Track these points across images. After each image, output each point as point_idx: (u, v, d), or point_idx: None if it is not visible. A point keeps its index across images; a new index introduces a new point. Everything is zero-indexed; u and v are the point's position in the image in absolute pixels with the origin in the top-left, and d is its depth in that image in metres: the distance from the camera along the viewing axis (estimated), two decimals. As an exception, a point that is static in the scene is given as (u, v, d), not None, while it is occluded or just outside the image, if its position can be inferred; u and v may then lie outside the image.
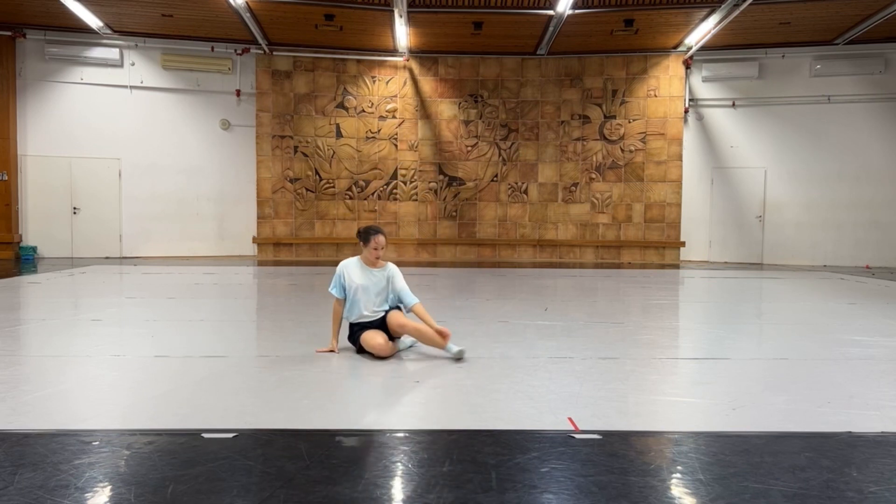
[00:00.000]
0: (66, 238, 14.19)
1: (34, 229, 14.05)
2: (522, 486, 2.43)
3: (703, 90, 15.00)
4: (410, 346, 4.92)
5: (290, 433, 3.01)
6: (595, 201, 15.19)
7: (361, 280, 4.73)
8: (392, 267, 4.85)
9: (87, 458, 2.65)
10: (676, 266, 14.06)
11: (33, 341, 5.16)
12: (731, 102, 14.88)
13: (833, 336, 5.66)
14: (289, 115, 14.88)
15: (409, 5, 12.03)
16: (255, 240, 14.92)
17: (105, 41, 14.05)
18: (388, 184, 15.21)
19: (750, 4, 11.47)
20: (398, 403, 3.58)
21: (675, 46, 14.54)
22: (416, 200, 15.24)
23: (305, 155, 14.96)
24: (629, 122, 15.02)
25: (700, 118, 15.08)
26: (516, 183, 15.30)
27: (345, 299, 4.78)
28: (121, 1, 12.24)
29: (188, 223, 14.78)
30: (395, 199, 15.23)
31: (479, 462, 2.65)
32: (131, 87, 14.34)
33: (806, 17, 12.63)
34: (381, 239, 4.75)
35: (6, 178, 13.61)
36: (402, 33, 13.33)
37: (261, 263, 13.49)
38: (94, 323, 5.97)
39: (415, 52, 14.98)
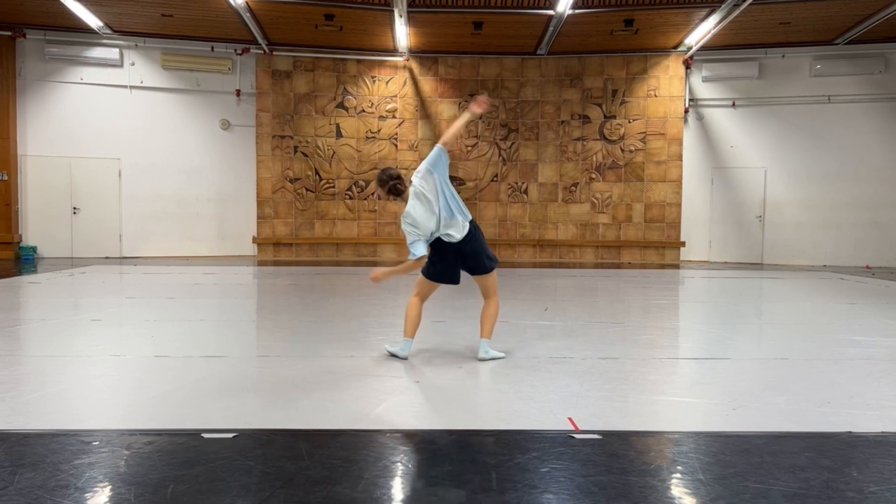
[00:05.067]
0: (66, 238, 14.19)
1: (34, 229, 14.05)
2: (522, 486, 2.43)
3: (703, 90, 15.00)
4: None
5: (290, 433, 3.01)
6: (595, 201, 15.18)
7: (423, 211, 4.35)
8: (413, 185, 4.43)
9: (87, 458, 2.65)
10: (676, 266, 14.06)
11: (33, 341, 5.16)
12: (731, 102, 14.88)
13: (833, 336, 5.66)
14: (289, 115, 14.88)
15: (409, 5, 12.02)
16: (255, 240, 14.92)
17: (105, 41, 14.05)
18: (388, 184, 15.18)
19: (750, 4, 11.47)
20: (398, 403, 3.58)
21: (675, 46, 14.54)
22: (416, 200, 15.22)
23: (305, 155, 14.96)
24: (629, 122, 15.02)
25: (700, 118, 15.08)
26: (516, 183, 15.30)
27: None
28: (121, 1, 12.24)
29: (188, 223, 14.78)
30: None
31: (479, 462, 2.65)
32: (131, 87, 14.34)
33: (806, 17, 12.63)
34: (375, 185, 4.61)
35: (6, 178, 13.61)
36: (402, 33, 13.33)
37: (261, 263, 13.48)
38: (94, 323, 5.97)
39: (415, 52, 14.97)
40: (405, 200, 4.41)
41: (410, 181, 4.43)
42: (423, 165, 4.38)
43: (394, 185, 4.40)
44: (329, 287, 9.50)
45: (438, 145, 4.38)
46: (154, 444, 2.82)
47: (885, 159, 14.35)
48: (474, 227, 4.44)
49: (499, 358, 4.56)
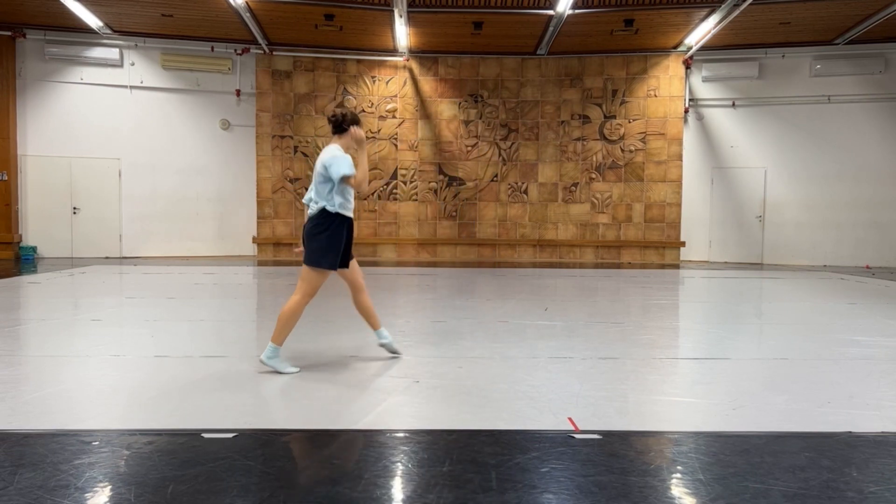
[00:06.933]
0: (66, 238, 14.19)
1: (34, 229, 14.05)
2: (522, 486, 2.43)
3: (703, 90, 15.00)
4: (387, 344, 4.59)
5: (290, 433, 3.01)
6: (595, 201, 15.18)
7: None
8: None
9: (87, 458, 2.65)
10: (676, 266, 14.05)
11: (33, 341, 5.16)
12: (731, 102, 14.88)
13: (833, 336, 5.66)
14: (289, 114, 14.88)
15: (409, 5, 12.02)
16: (254, 240, 14.92)
17: (105, 41, 14.05)
18: (388, 184, 15.21)
19: (750, 4, 11.47)
20: (398, 403, 3.58)
21: (675, 46, 14.54)
22: (416, 200, 15.24)
23: (305, 155, 14.96)
24: (629, 122, 15.02)
25: (700, 118, 15.08)
26: (516, 183, 15.30)
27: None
28: (121, 1, 12.24)
29: (188, 223, 14.78)
30: (395, 199, 15.23)
31: (479, 462, 2.65)
32: (131, 87, 14.34)
33: (806, 17, 12.63)
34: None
35: (6, 178, 13.60)
36: (402, 33, 13.33)
37: (261, 263, 13.48)
38: (94, 323, 5.97)
39: (415, 52, 14.97)
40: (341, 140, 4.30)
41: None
42: (327, 167, 4.14)
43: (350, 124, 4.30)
44: (329, 287, 9.49)
45: (345, 179, 4.11)
46: (154, 444, 2.82)
47: (885, 159, 14.35)
48: (327, 220, 4.15)
49: (287, 372, 4.11)
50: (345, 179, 4.11)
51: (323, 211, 4.17)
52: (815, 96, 14.49)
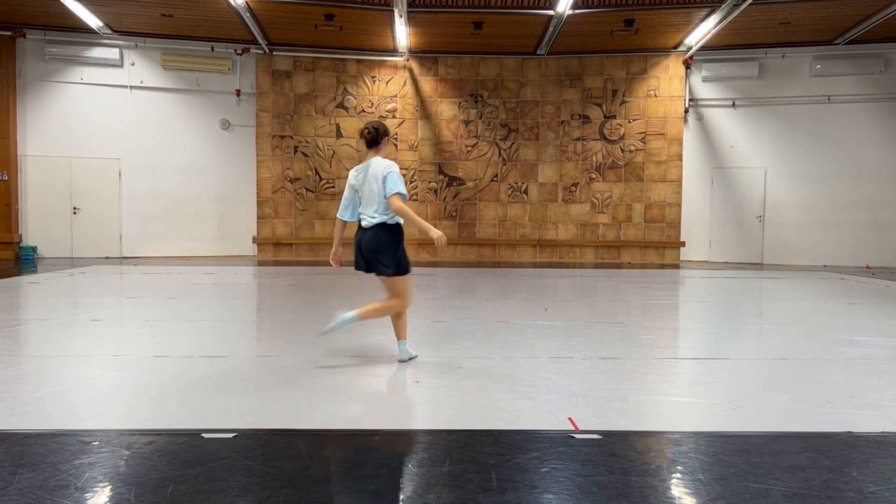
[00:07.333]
0: (66, 238, 14.19)
1: (34, 229, 14.05)
2: (522, 486, 2.43)
3: (703, 90, 15.00)
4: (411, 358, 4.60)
5: (290, 433, 3.01)
6: (595, 201, 15.18)
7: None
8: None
9: (87, 458, 2.65)
10: (676, 266, 14.05)
11: (33, 341, 5.16)
12: (731, 102, 14.88)
13: (833, 336, 5.66)
14: (289, 115, 14.88)
15: (409, 5, 12.02)
16: (254, 240, 14.92)
17: (105, 41, 14.05)
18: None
19: (750, 4, 11.47)
20: (398, 403, 3.58)
21: (675, 46, 14.54)
22: (416, 200, 15.23)
23: (305, 155, 14.96)
24: (629, 122, 15.01)
25: (700, 118, 15.08)
26: (516, 183, 15.30)
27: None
28: (121, 1, 12.24)
29: (188, 223, 14.78)
30: (395, 199, 15.20)
31: (479, 462, 2.65)
32: (131, 87, 14.34)
33: (806, 17, 12.63)
34: None
35: (6, 178, 13.60)
36: (402, 33, 13.33)
37: (261, 263, 13.48)
38: (94, 323, 5.97)
39: (415, 52, 14.97)
40: (377, 152, 4.40)
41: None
42: (384, 179, 4.23)
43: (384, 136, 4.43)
44: (329, 287, 9.50)
45: (395, 195, 4.19)
46: (154, 444, 2.82)
47: (885, 159, 14.35)
48: (385, 230, 4.28)
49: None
50: (393, 196, 4.17)
51: (384, 224, 4.27)
52: (815, 96, 14.49)
